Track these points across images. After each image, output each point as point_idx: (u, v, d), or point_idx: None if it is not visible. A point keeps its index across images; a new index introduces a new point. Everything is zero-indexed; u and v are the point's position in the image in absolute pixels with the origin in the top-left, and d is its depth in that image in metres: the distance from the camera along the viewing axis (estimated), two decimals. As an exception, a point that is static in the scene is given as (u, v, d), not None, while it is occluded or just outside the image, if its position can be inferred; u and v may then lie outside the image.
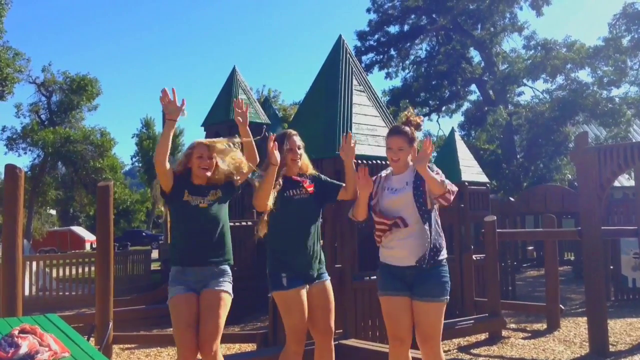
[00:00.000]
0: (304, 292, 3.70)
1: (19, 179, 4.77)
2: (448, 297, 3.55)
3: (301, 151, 3.89)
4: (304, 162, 3.93)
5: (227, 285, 3.70)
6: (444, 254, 3.57)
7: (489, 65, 26.05)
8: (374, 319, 6.20)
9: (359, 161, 6.20)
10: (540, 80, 23.28)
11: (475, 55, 28.15)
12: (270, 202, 3.68)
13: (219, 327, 3.59)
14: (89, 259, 13.07)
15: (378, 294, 3.64)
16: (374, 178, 3.72)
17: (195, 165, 3.76)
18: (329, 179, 4.02)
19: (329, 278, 3.87)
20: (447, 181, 3.48)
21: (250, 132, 3.77)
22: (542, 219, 9.15)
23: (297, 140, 3.89)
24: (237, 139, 3.82)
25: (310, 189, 3.84)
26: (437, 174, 3.50)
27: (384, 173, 3.77)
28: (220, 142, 3.81)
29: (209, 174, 3.77)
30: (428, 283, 3.48)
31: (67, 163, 23.16)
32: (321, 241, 3.90)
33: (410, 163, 3.63)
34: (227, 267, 3.76)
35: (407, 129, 3.65)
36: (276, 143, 3.70)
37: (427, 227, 3.48)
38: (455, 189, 3.52)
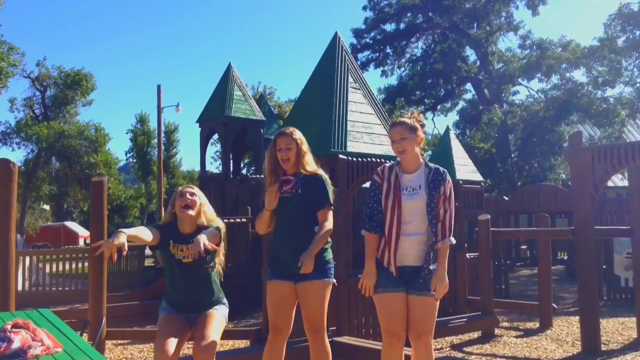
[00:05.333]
0: (281, 285, 3.74)
1: (13, 173, 4.74)
2: None
3: (292, 152, 3.76)
4: (304, 160, 3.79)
5: (222, 309, 3.74)
6: None
7: (485, 64, 26.10)
8: (368, 316, 6.22)
9: (353, 159, 6.21)
10: (535, 80, 23.39)
11: (471, 54, 28.24)
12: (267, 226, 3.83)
13: (215, 341, 3.52)
14: (82, 254, 13.03)
15: (375, 291, 3.60)
16: (379, 170, 3.66)
17: (177, 207, 3.64)
18: (322, 192, 3.79)
19: (320, 278, 3.73)
20: (449, 238, 3.53)
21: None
22: (535, 218, 9.17)
23: (287, 139, 3.77)
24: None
25: (288, 188, 3.76)
26: (449, 201, 3.55)
27: (388, 164, 3.69)
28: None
29: (191, 212, 3.63)
30: (425, 278, 3.50)
31: (61, 158, 23.04)
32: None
33: (421, 161, 3.59)
34: (220, 304, 3.78)
35: (406, 119, 3.59)
36: (277, 187, 3.72)
37: (432, 232, 3.51)
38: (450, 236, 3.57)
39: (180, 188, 3.78)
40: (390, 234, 3.53)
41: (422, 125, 3.66)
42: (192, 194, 3.68)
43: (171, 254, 3.61)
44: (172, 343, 3.42)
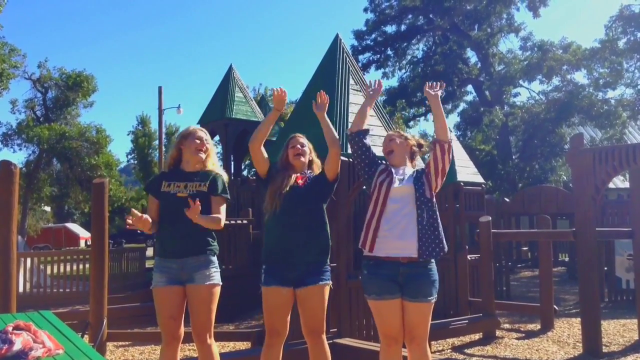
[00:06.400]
0: (279, 292, 3.67)
1: (14, 175, 4.75)
2: (436, 296, 3.57)
3: (306, 149, 3.94)
4: (313, 165, 3.99)
5: (215, 277, 3.66)
6: (445, 248, 3.56)
7: (486, 66, 26.11)
8: (369, 317, 6.20)
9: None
10: (536, 82, 23.39)
11: (471, 55, 28.25)
12: (263, 155, 3.85)
13: (211, 319, 3.64)
14: (83, 256, 13.04)
15: (369, 297, 3.58)
16: (379, 162, 3.78)
17: (192, 148, 3.71)
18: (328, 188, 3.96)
19: (321, 282, 3.73)
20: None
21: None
22: (537, 220, 9.17)
23: (301, 139, 3.98)
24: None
25: (302, 182, 3.81)
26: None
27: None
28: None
29: (203, 155, 3.74)
30: (420, 283, 3.49)
31: (62, 160, 23.08)
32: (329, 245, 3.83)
33: (411, 165, 3.78)
34: (212, 257, 3.69)
35: (401, 132, 3.90)
36: (284, 92, 3.88)
37: (425, 215, 3.51)
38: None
39: (189, 129, 3.83)
40: (373, 214, 3.56)
41: (420, 147, 3.86)
42: (205, 139, 3.78)
43: (165, 192, 3.67)
44: (177, 326, 3.62)
